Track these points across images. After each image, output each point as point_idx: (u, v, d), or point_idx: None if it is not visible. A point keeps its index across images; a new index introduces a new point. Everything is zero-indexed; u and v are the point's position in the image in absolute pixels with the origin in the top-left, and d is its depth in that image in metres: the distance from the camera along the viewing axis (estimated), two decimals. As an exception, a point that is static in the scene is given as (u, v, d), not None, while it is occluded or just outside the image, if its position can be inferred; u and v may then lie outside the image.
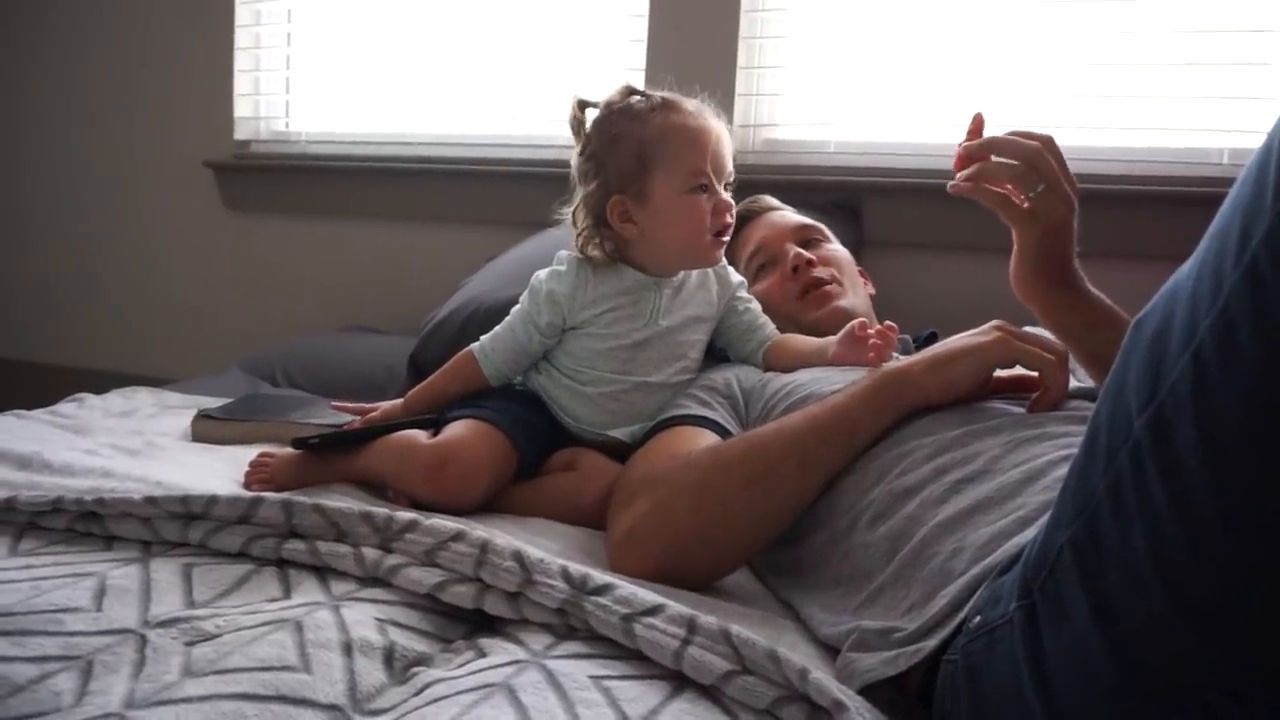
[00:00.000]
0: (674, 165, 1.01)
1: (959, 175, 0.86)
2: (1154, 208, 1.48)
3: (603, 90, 1.09)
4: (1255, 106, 1.49)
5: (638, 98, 1.04)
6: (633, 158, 1.02)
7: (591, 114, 1.07)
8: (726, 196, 1.03)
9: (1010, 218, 0.86)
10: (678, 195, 1.01)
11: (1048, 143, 0.85)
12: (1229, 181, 0.47)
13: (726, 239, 1.05)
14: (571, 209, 1.07)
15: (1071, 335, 0.88)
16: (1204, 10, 1.50)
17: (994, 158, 0.85)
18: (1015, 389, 0.84)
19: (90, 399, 1.40)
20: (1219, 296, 0.43)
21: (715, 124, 1.03)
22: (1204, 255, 0.46)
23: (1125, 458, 0.47)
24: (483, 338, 1.10)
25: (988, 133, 0.89)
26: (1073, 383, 0.84)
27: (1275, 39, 1.48)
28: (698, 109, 1.04)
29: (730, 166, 1.04)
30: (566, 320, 1.06)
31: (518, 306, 1.08)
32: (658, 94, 1.05)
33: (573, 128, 1.07)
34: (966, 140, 0.88)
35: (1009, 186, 0.86)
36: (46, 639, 0.63)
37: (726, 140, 1.04)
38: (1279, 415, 0.41)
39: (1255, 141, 1.63)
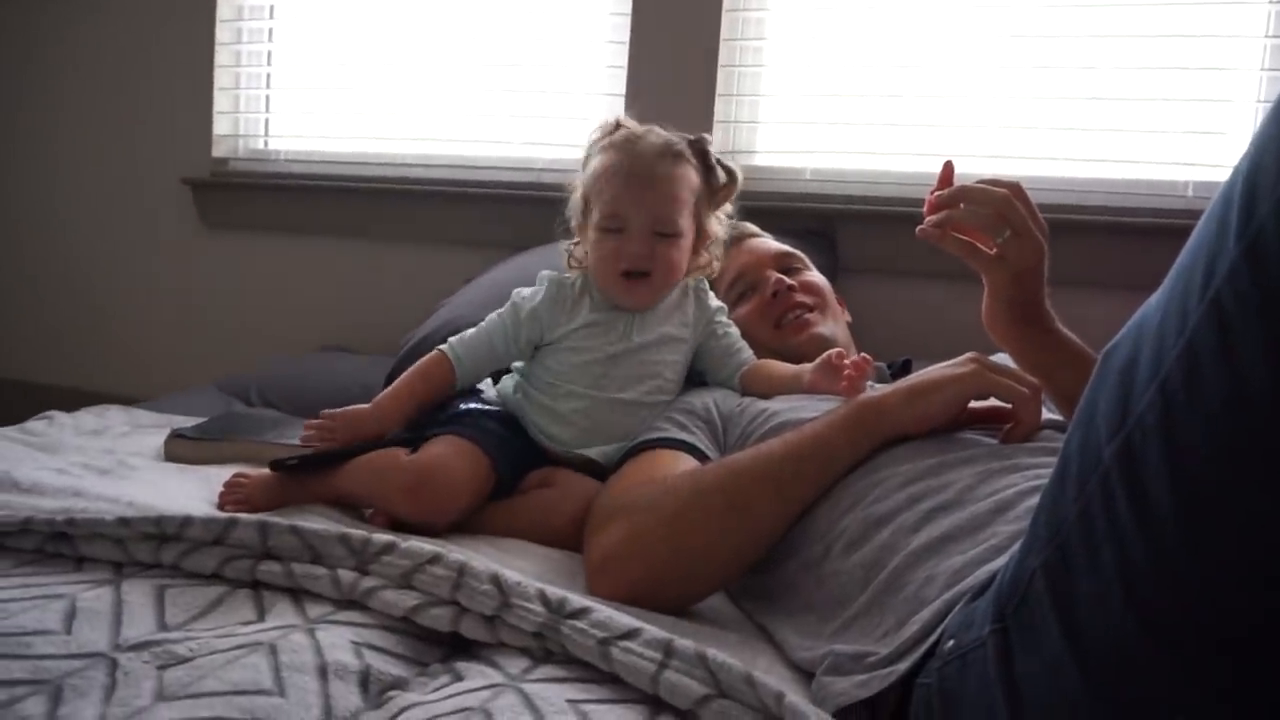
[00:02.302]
0: (596, 201, 1.07)
1: (927, 221, 0.88)
2: (1121, 238, 1.52)
3: (592, 114, 1.15)
4: (1219, 141, 1.54)
5: (616, 131, 1.10)
6: (581, 186, 1.10)
7: None
8: (643, 245, 1.04)
9: (977, 264, 0.88)
10: (595, 229, 1.07)
11: (1016, 190, 0.87)
12: (1194, 214, 0.49)
13: (641, 283, 1.06)
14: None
15: (1043, 373, 0.89)
16: (1170, 48, 1.55)
17: (963, 206, 0.87)
18: (989, 420, 0.85)
19: (60, 417, 1.38)
20: (1184, 331, 0.44)
21: (660, 169, 1.04)
22: (1170, 290, 0.47)
23: (1095, 485, 0.48)
24: (452, 341, 1.11)
25: (959, 169, 0.91)
26: (1044, 415, 0.85)
27: (1237, 77, 1.53)
28: (643, 151, 1.05)
29: (677, 217, 1.05)
30: (544, 336, 1.09)
31: (495, 318, 1.11)
32: (626, 129, 1.09)
33: None
34: (937, 188, 0.90)
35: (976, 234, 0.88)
36: (14, 663, 0.62)
37: (667, 186, 1.04)
38: (1241, 445, 0.42)
39: (1219, 175, 1.68)
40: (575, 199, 1.11)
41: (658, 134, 1.08)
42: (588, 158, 1.10)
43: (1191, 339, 0.44)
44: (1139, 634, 0.46)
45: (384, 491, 0.99)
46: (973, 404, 0.85)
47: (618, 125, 1.10)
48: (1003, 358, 1.09)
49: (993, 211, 0.86)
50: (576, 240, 1.12)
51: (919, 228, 0.89)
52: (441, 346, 1.11)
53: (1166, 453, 0.44)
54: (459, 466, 0.99)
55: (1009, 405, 0.82)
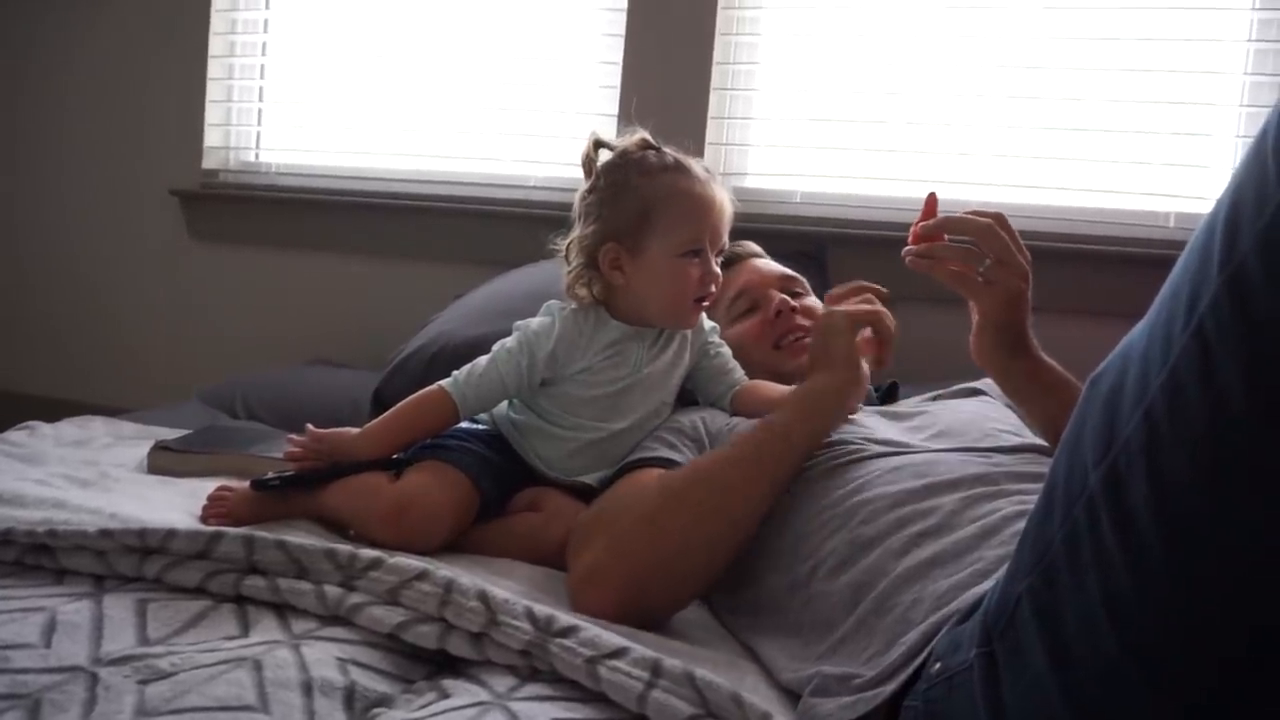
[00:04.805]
0: (673, 228, 1.02)
1: (913, 250, 0.90)
2: (1104, 267, 1.54)
3: (584, 132, 1.10)
4: (1200, 174, 1.57)
5: (652, 152, 1.05)
6: (635, 211, 1.02)
7: (605, 155, 1.07)
8: (716, 267, 1.05)
9: (967, 292, 0.90)
10: (670, 257, 1.03)
11: (998, 219, 0.88)
12: (1176, 244, 0.50)
13: (706, 305, 1.07)
14: (567, 242, 1.08)
15: (1028, 400, 0.92)
16: (1153, 82, 1.58)
17: (947, 236, 0.89)
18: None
19: (42, 427, 1.36)
20: (1168, 358, 0.45)
21: (721, 194, 1.05)
22: (1155, 318, 0.48)
23: (1081, 509, 0.49)
24: (457, 378, 1.05)
25: (948, 195, 0.93)
26: (1029, 439, 0.87)
27: (1218, 113, 1.57)
28: (707, 177, 1.05)
29: (726, 238, 1.06)
30: (557, 375, 1.05)
31: (505, 355, 1.04)
32: (671, 154, 1.05)
33: (584, 165, 1.08)
34: (920, 219, 0.91)
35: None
36: (-8, 675, 0.61)
37: (728, 212, 1.06)
38: (1224, 471, 0.43)
39: (1200, 207, 1.70)
40: (620, 222, 1.02)
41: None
42: (622, 180, 1.03)
43: (1175, 366, 0.45)
44: (1123, 658, 0.46)
45: (364, 518, 0.98)
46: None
47: (645, 144, 1.06)
48: (989, 384, 1.11)
49: (974, 239, 0.88)
50: (581, 262, 1.05)
51: (907, 258, 0.90)
52: (444, 383, 1.04)
53: (1151, 478, 0.45)
54: (440, 495, 0.98)
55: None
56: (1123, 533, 0.46)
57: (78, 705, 0.60)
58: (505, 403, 1.10)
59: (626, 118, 1.79)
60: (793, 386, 1.05)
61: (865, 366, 0.97)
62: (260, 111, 2.13)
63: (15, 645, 0.65)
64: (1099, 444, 0.49)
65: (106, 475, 1.14)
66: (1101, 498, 0.48)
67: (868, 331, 0.96)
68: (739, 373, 1.13)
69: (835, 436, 0.92)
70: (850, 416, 0.99)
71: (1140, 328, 0.50)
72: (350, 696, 0.64)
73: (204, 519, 1.01)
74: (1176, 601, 0.45)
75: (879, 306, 0.92)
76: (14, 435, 1.31)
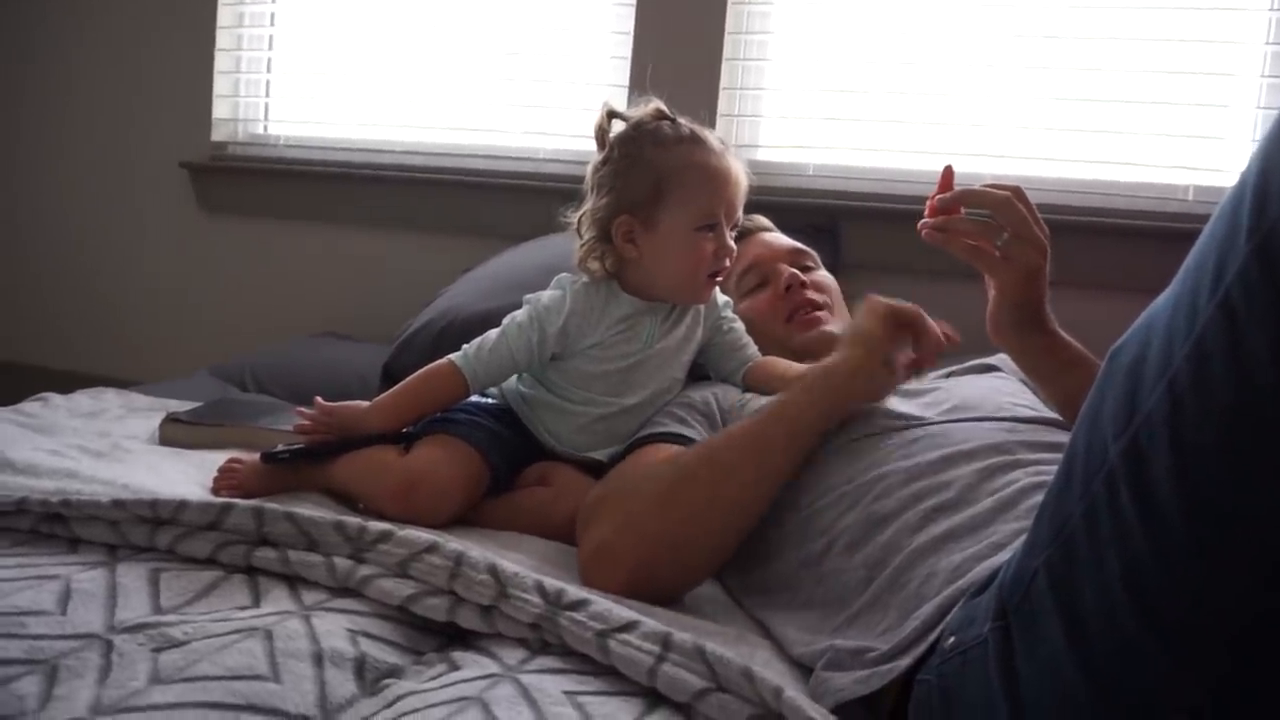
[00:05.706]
0: (688, 201, 1.01)
1: (930, 223, 0.88)
2: (1121, 240, 1.52)
3: (595, 103, 1.09)
4: (1219, 146, 1.54)
5: (667, 124, 1.04)
6: (649, 183, 1.01)
7: (618, 126, 1.06)
8: (730, 241, 1.03)
9: (983, 267, 0.89)
10: (685, 231, 1.01)
11: (1016, 192, 0.87)
12: (1194, 217, 0.49)
13: (720, 279, 1.05)
14: (579, 215, 1.07)
15: (1045, 377, 0.91)
16: (1172, 53, 1.55)
17: (964, 209, 0.88)
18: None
19: (55, 398, 1.37)
20: (1193, 329, 0.44)
21: (737, 167, 1.04)
22: (1179, 288, 0.47)
23: (1101, 483, 0.48)
24: (467, 352, 1.05)
25: (962, 168, 0.91)
26: (1045, 414, 0.86)
27: (1237, 83, 1.54)
28: (723, 149, 1.03)
29: (740, 212, 1.05)
30: (568, 350, 1.05)
31: (515, 329, 1.04)
32: (686, 125, 1.04)
33: (597, 136, 1.06)
34: (937, 193, 0.90)
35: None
36: (9, 642, 0.62)
37: (743, 185, 1.04)
38: (1250, 444, 0.42)
39: (1219, 180, 1.67)
40: (634, 194, 1.01)
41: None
42: (636, 151, 1.02)
43: (1201, 337, 0.44)
44: (1142, 632, 0.46)
45: (373, 492, 0.98)
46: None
47: (660, 115, 1.04)
48: (1004, 360, 1.10)
49: (991, 213, 0.86)
50: (593, 235, 1.04)
51: (923, 230, 0.89)
52: (454, 357, 1.04)
53: (1173, 451, 0.44)
54: (449, 470, 0.98)
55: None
56: (1143, 506, 0.46)
57: (93, 671, 0.60)
58: (515, 377, 1.10)
59: (638, 88, 1.77)
60: (805, 364, 1.04)
61: (896, 360, 0.91)
62: (269, 83, 2.11)
63: (32, 612, 0.66)
64: (1120, 416, 0.48)
65: (119, 446, 1.15)
66: (1122, 471, 0.47)
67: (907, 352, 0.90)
68: (752, 349, 1.12)
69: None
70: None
71: (1164, 298, 0.49)
72: (361, 667, 0.65)
73: (215, 491, 1.02)
74: (1196, 574, 0.44)
75: (922, 317, 0.88)
76: (28, 406, 1.32)
